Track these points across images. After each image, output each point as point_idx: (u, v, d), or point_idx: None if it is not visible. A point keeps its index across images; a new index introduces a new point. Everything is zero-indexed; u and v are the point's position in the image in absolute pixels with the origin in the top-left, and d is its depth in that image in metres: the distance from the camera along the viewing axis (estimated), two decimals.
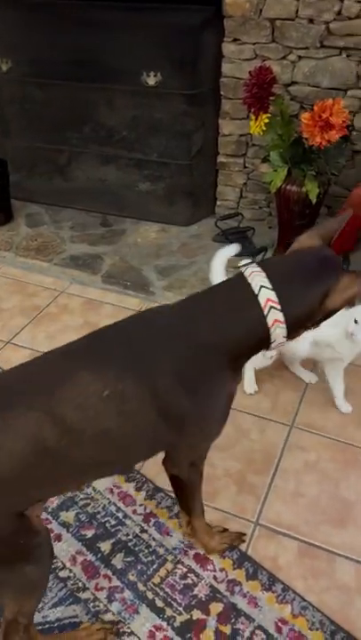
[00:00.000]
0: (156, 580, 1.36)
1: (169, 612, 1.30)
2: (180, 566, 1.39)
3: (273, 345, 1.01)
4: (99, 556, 1.41)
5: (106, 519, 1.49)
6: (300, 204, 2.17)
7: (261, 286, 0.96)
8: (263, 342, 1.00)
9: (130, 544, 1.43)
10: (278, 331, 0.98)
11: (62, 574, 1.37)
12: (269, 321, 0.96)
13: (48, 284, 2.42)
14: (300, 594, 1.33)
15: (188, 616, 1.29)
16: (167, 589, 1.34)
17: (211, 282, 1.73)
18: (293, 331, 1.00)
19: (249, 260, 1.05)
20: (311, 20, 2.07)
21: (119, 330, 1.05)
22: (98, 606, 1.31)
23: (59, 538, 1.44)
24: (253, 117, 2.09)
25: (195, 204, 2.72)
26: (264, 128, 2.08)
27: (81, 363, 0.99)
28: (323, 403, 1.83)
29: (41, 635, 1.20)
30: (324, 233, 1.07)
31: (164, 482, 1.57)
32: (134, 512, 1.51)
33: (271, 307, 0.95)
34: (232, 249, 1.72)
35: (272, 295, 0.95)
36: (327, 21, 2.05)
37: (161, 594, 1.33)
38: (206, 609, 1.30)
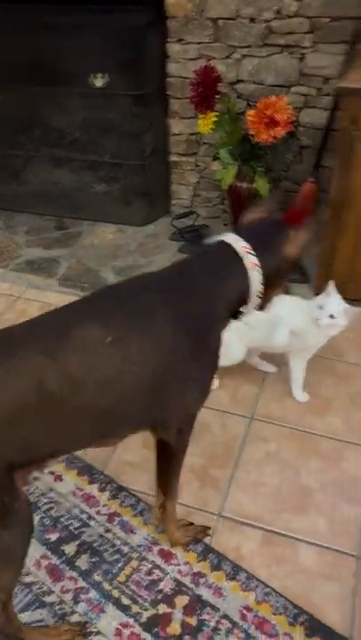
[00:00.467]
0: (122, 578, 1.37)
1: (135, 608, 1.31)
2: (145, 563, 1.40)
3: (251, 294, 1.12)
4: (63, 558, 1.41)
5: (70, 522, 1.49)
6: (252, 200, 2.21)
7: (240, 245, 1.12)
8: (245, 292, 1.12)
9: (95, 544, 1.44)
10: (255, 274, 1.11)
11: (27, 580, 1.36)
12: (247, 264, 1.10)
13: (4, 290, 2.39)
14: (264, 581, 1.36)
15: (155, 611, 1.30)
16: (133, 586, 1.35)
17: None
18: (267, 284, 1.13)
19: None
20: (252, 20, 2.11)
21: (120, 287, 1.14)
22: (64, 609, 1.31)
23: None
24: (201, 116, 2.12)
25: (150, 204, 2.73)
26: (212, 126, 2.11)
27: (85, 315, 1.06)
28: (281, 394, 1.87)
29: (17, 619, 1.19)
30: (264, 208, 1.26)
31: (127, 480, 1.59)
32: (98, 513, 1.51)
33: (247, 252, 1.11)
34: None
35: (247, 245, 1.12)
36: (268, 20, 2.09)
37: (127, 591, 1.34)
38: (172, 602, 1.32)
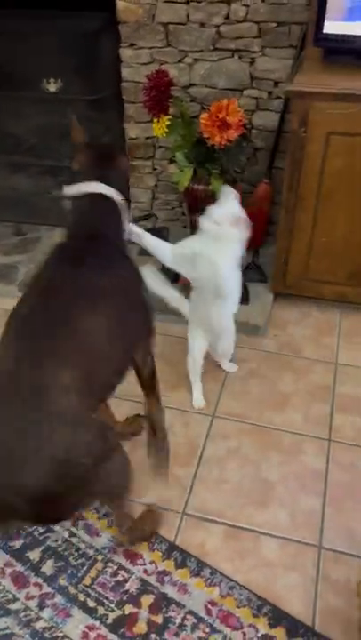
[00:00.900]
0: (87, 581, 1.37)
1: (101, 610, 1.31)
2: (110, 564, 1.41)
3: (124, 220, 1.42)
4: (28, 565, 1.40)
5: (33, 528, 1.48)
6: (208, 202, 2.23)
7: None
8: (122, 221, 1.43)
9: (59, 549, 1.44)
10: (123, 203, 1.41)
11: None
12: (119, 202, 1.41)
13: None
14: (228, 575, 1.39)
15: (121, 612, 1.31)
16: (99, 589, 1.36)
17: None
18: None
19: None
20: (202, 24, 2.14)
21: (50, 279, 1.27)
22: (29, 615, 1.31)
23: None
24: (155, 120, 2.14)
25: None
26: (166, 130, 2.13)
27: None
28: (241, 391, 1.91)
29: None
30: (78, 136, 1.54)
31: None
32: None
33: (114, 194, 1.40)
34: (151, 270, 1.81)
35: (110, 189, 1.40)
36: (217, 25, 2.12)
37: (92, 594, 1.35)
38: (138, 602, 1.33)
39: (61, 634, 1.27)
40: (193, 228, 2.42)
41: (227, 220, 1.62)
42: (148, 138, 2.48)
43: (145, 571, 1.39)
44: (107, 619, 1.30)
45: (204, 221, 1.66)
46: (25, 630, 1.28)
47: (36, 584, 1.37)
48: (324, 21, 1.85)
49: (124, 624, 1.29)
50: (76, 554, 1.43)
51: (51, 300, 1.19)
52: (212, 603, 1.33)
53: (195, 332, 1.81)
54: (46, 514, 1.09)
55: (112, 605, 1.32)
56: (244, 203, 2.43)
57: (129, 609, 1.32)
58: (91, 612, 1.31)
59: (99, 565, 1.40)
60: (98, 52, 2.31)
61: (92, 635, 1.27)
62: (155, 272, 1.83)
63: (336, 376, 1.97)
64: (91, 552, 1.43)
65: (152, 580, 1.37)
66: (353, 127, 1.78)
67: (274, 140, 2.27)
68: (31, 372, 1.06)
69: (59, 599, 1.33)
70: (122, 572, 1.39)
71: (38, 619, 1.30)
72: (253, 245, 2.45)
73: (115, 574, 1.38)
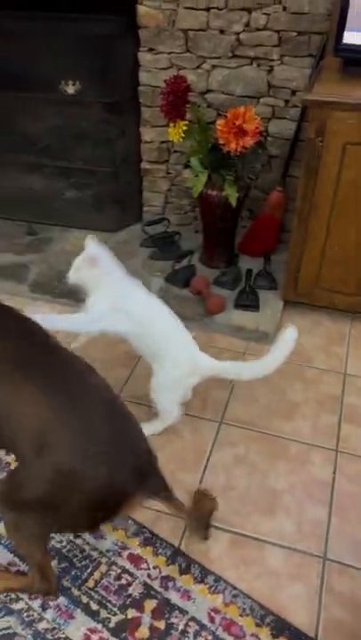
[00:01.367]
0: (91, 583, 1.37)
1: (104, 613, 1.31)
2: (114, 567, 1.40)
3: None
4: None
5: None
6: (222, 208, 2.24)
7: None
8: None
9: (64, 550, 1.43)
10: None
11: None
12: None
13: None
14: (232, 583, 1.38)
15: (123, 616, 1.31)
16: (102, 592, 1.35)
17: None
18: None
19: None
20: (222, 31, 2.15)
21: None
22: (32, 615, 1.30)
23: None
24: (172, 125, 2.15)
25: (122, 211, 2.74)
26: (183, 135, 2.14)
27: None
28: (249, 398, 1.90)
29: None
30: None
31: None
32: None
33: None
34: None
35: None
36: (237, 32, 2.13)
37: (95, 597, 1.34)
38: (141, 607, 1.32)
39: (63, 635, 1.27)
40: (205, 233, 2.43)
41: (84, 264, 1.65)
42: (163, 142, 2.49)
43: (149, 575, 1.39)
44: (109, 622, 1.29)
45: (70, 277, 1.67)
46: (27, 630, 1.27)
47: None
48: (344, 32, 1.85)
49: (127, 628, 1.28)
50: (81, 555, 1.42)
51: None
52: (216, 610, 1.32)
53: None
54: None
55: (115, 609, 1.32)
56: (257, 210, 2.45)
57: (132, 613, 1.31)
58: (93, 614, 1.30)
59: (103, 568, 1.40)
60: (116, 56, 2.33)
61: (95, 638, 1.26)
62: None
63: (345, 386, 1.96)
64: (95, 554, 1.43)
65: (156, 584, 1.37)
66: None
67: (289, 148, 2.27)
68: None
69: (61, 600, 1.33)
70: (126, 576, 1.38)
71: (41, 619, 1.29)
72: (266, 251, 2.46)
73: (118, 578, 1.38)
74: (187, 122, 2.13)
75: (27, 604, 1.32)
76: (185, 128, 2.12)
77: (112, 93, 2.39)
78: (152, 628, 1.28)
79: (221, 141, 2.06)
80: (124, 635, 1.27)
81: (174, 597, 1.34)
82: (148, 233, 2.63)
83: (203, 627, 1.29)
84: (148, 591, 1.36)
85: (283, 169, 2.33)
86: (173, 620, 1.30)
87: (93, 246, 1.67)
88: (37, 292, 2.34)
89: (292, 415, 1.85)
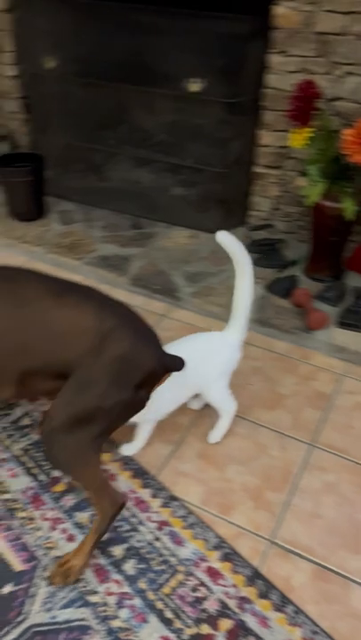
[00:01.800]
0: (167, 590, 1.35)
1: (178, 623, 1.28)
2: (191, 578, 1.37)
3: None
4: (111, 560, 1.40)
5: (119, 524, 1.48)
6: (335, 220, 2.15)
7: None
8: None
9: (142, 551, 1.42)
10: None
11: None
12: None
13: None
14: (313, 618, 1.31)
15: (197, 630, 1.27)
16: (177, 601, 1.33)
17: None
18: None
19: None
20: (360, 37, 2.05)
21: None
22: (107, 611, 1.30)
23: (72, 538, 1.44)
24: (295, 130, 2.08)
25: (227, 212, 2.71)
26: (307, 142, 2.06)
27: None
28: (345, 424, 1.81)
29: None
30: None
31: (180, 491, 1.57)
32: (148, 519, 1.49)
33: None
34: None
35: None
36: None
37: (171, 605, 1.32)
38: (215, 624, 1.29)
39: (136, 638, 1.25)
40: (313, 244, 2.33)
41: None
42: (281, 147, 2.42)
43: (226, 593, 1.35)
44: (182, 634, 1.26)
45: None
46: (101, 626, 1.27)
47: (116, 581, 1.36)
48: None
49: None
50: (159, 559, 1.41)
51: None
52: None
53: None
54: None
55: (189, 621, 1.29)
56: None
57: (206, 629, 1.28)
58: (167, 622, 1.28)
59: (179, 576, 1.37)
60: (245, 56, 2.29)
61: None
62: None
63: None
64: (173, 561, 1.40)
65: (232, 604, 1.32)
66: None
67: None
68: None
69: (137, 602, 1.32)
70: (202, 589, 1.35)
71: (115, 617, 1.29)
72: None
73: (195, 589, 1.35)
74: (311, 129, 2.05)
75: (102, 598, 1.32)
76: (309, 135, 2.05)
77: (235, 94, 2.36)
78: None
79: (346, 152, 1.97)
80: None
81: (251, 621, 1.29)
82: (252, 237, 2.57)
83: None
84: (224, 609, 1.31)
85: None
86: None
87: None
88: (137, 286, 2.36)
89: None
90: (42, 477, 1.59)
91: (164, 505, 1.53)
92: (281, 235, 2.61)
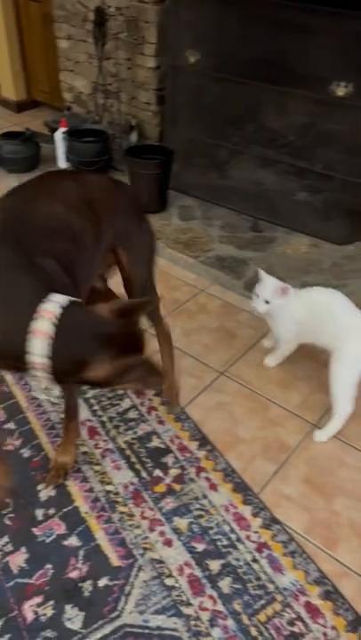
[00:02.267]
0: (262, 617, 1.29)
1: None
2: (288, 610, 1.31)
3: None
4: (206, 574, 1.37)
5: (218, 537, 1.44)
6: None
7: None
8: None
9: (239, 570, 1.38)
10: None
11: (168, 582, 1.35)
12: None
13: (190, 280, 2.41)
14: None
15: None
16: (272, 631, 1.27)
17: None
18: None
19: None
20: None
21: None
22: (199, 627, 1.27)
23: (169, 543, 1.42)
24: None
25: (354, 224, 2.57)
26: None
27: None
28: None
29: None
30: (118, 308, 1.04)
31: (282, 514, 1.50)
32: (248, 538, 1.45)
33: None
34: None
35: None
36: None
37: (265, 634, 1.26)
38: None
39: None
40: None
41: (275, 294, 1.78)
42: None
43: (325, 634, 1.27)
44: None
45: (259, 308, 1.82)
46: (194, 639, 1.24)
47: (210, 597, 1.32)
48: None
49: None
50: (256, 583, 1.35)
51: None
52: None
53: None
54: None
55: None
56: None
57: None
58: None
59: (276, 606, 1.31)
60: None
61: None
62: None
63: None
64: (271, 587, 1.35)
65: None
66: None
67: None
68: None
69: (230, 623, 1.28)
70: (299, 624, 1.28)
71: (208, 635, 1.25)
72: None
73: (292, 623, 1.28)
74: None
75: (195, 612, 1.30)
76: None
77: None
78: None
79: None
80: None
81: None
82: None
83: None
84: None
85: None
86: None
87: (271, 277, 1.82)
88: (250, 292, 2.30)
89: None
90: (144, 475, 1.59)
91: (265, 526, 1.47)
92: None
